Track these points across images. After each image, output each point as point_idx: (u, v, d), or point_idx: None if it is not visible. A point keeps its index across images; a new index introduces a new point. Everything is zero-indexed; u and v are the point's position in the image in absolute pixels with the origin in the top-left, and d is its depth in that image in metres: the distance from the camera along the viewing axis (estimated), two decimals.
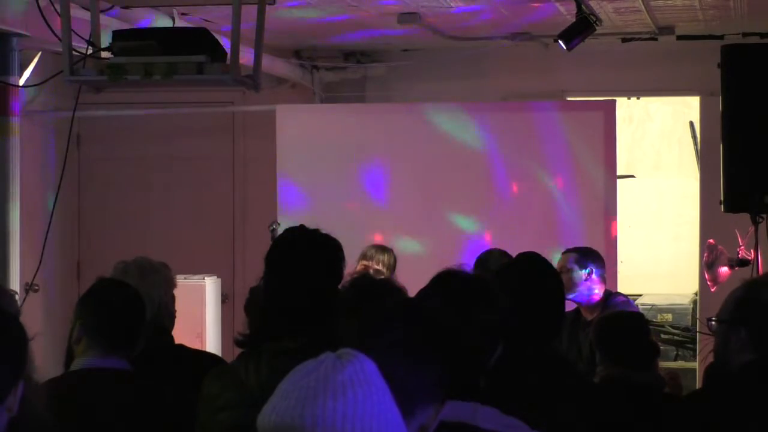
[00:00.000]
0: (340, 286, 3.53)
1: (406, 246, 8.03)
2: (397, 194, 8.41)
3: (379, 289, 3.89)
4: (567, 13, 7.23)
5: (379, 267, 6.48)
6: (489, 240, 8.07)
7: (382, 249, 6.61)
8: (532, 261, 3.93)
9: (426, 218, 8.35)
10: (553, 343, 3.84)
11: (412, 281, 3.54)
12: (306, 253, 3.39)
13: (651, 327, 5.24)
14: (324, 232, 3.45)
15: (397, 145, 8.44)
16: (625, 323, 4.81)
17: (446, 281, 3.02)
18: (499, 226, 8.19)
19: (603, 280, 6.15)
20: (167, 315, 4.33)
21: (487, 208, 8.34)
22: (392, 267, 6.55)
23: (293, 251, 3.41)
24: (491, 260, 5.56)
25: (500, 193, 8.34)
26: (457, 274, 3.03)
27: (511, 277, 3.85)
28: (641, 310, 6.58)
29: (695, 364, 8.87)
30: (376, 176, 8.45)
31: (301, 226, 3.47)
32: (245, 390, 3.24)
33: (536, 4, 7.19)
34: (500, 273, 3.97)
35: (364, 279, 4.02)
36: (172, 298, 4.37)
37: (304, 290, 3.34)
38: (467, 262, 3.08)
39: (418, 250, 8.13)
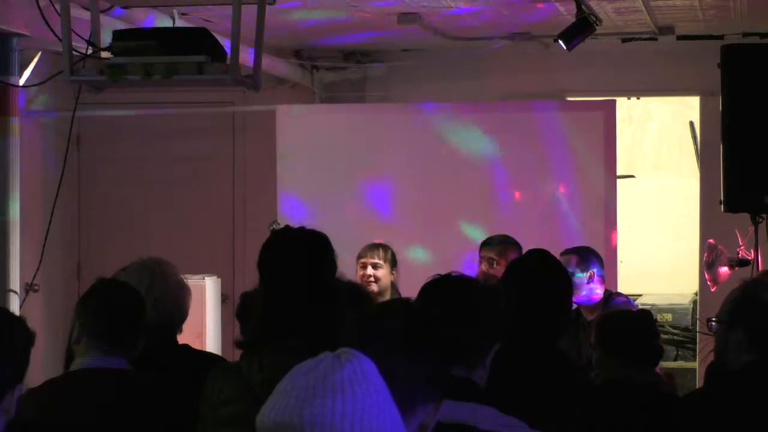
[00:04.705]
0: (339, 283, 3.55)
1: (409, 245, 8.02)
2: (397, 194, 8.40)
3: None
4: (567, 13, 7.23)
5: (376, 260, 6.47)
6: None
7: (376, 245, 6.60)
8: (541, 258, 3.93)
9: (426, 216, 8.34)
10: (556, 343, 3.84)
11: (407, 278, 3.55)
12: (293, 252, 3.41)
13: None
14: (309, 228, 3.47)
15: (396, 145, 8.43)
16: (633, 323, 4.74)
17: (444, 282, 3.03)
18: (497, 224, 8.18)
19: (603, 279, 6.16)
20: (178, 315, 4.20)
21: (486, 206, 8.33)
22: (391, 261, 6.53)
23: (280, 252, 3.44)
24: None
25: (500, 192, 8.34)
26: (454, 276, 3.04)
27: (519, 274, 3.85)
28: None
29: (695, 364, 8.86)
30: (377, 175, 8.44)
31: (287, 227, 3.51)
32: (247, 387, 3.26)
33: (536, 4, 7.19)
34: (509, 269, 3.98)
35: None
36: (185, 298, 4.25)
37: (298, 289, 3.36)
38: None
39: (421, 247, 8.14)
